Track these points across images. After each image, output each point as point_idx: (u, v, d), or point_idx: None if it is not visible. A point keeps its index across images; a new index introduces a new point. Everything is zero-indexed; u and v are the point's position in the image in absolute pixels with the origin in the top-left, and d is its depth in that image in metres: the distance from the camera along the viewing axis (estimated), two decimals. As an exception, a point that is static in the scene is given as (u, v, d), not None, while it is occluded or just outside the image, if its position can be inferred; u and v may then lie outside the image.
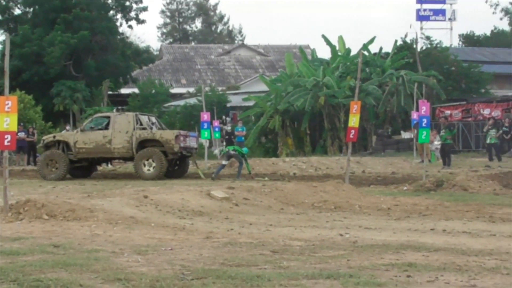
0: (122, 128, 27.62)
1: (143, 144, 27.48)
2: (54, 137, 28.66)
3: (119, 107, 50.53)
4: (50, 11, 51.25)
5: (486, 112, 40.76)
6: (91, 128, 28.16)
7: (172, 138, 27.42)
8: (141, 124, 27.83)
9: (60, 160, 27.39)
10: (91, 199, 16.12)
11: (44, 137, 29.37)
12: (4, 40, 49.03)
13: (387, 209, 17.32)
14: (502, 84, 54.01)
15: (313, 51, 50.04)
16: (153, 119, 29.58)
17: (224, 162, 27.28)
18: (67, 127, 40.74)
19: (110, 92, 52.81)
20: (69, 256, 9.74)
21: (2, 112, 14.60)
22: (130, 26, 56.51)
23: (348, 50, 45.66)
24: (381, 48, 46.28)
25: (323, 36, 46.19)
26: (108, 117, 28.65)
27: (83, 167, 28.81)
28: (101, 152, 27.82)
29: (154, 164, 26.87)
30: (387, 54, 46.20)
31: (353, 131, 22.38)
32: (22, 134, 35.56)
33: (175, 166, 28.63)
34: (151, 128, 27.92)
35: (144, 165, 26.97)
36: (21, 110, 42.35)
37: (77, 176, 28.30)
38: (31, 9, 54.55)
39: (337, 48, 46.11)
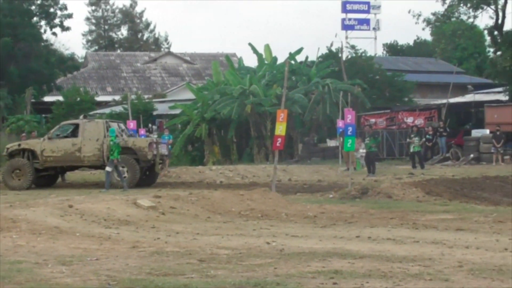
0: (92, 136, 27.10)
1: None
2: (19, 145, 27.96)
3: (44, 115, 49.89)
4: (-28, 17, 50.29)
5: (409, 120, 41.39)
6: (58, 136, 27.46)
7: (145, 145, 27.09)
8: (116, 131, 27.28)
9: (25, 169, 26.70)
10: (13, 209, 15.86)
11: (8, 146, 28.58)
12: None
13: (314, 216, 17.43)
14: (424, 93, 54.95)
15: (240, 60, 50.17)
16: (122, 126, 29.13)
17: (108, 169, 25.77)
18: (-10, 136, 40.00)
19: (33, 100, 51.95)
20: (-9, 268, 9.56)
21: None
22: (54, 33, 55.73)
23: (275, 59, 45.89)
24: (307, 57, 46.67)
25: (250, 45, 46.38)
26: (77, 125, 27.94)
27: (48, 176, 28.11)
28: (70, 160, 27.27)
29: (126, 173, 26.40)
30: (312, 62, 46.58)
31: (279, 139, 22.51)
32: None
33: (145, 174, 28.14)
34: (122, 136, 27.47)
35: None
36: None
37: (42, 185, 27.55)
38: (-48, 15, 53.42)
39: (264, 57, 46.30)
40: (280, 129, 22.75)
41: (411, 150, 33.61)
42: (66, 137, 27.55)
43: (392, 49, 74.27)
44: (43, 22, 54.49)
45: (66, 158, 27.10)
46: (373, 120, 42.58)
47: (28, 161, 26.94)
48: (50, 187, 27.46)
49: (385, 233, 13.92)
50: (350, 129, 24.51)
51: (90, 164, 27.71)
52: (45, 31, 54.92)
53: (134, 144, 27.12)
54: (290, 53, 45.28)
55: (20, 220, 14.02)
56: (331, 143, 41.62)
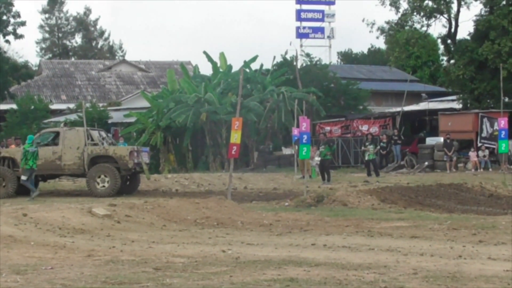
0: (73, 144, 26.85)
1: (95, 160, 26.73)
2: None
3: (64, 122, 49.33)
4: None
5: (364, 128, 41.66)
6: (38, 144, 26.86)
7: (126, 154, 26.85)
8: (92, 140, 27.19)
9: (8, 177, 26.27)
10: (-33, 218, 15.67)
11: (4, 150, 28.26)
12: None
13: (269, 224, 17.49)
14: (379, 101, 55.38)
15: (195, 67, 50.08)
16: (103, 134, 28.96)
17: (24, 178, 25.45)
18: None
19: (-14, 108, 51.44)
20: None
21: None
22: (7, 41, 55.07)
23: (230, 67, 45.92)
24: (261, 65, 46.76)
25: (205, 53, 46.36)
26: (57, 133, 27.64)
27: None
28: (50, 168, 26.94)
29: (107, 181, 26.23)
30: (267, 71, 46.69)
31: (235, 147, 22.55)
32: None
33: (126, 182, 27.95)
34: (103, 144, 27.37)
35: (98, 182, 26.30)
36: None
37: (20, 193, 26.71)
38: None
39: (219, 65, 46.32)
40: (235, 137, 22.80)
41: (366, 158, 33.83)
42: (47, 145, 27.22)
43: (347, 57, 74.82)
44: (-4, 30, 53.91)
45: (46, 167, 26.73)
46: (328, 128, 42.78)
47: (10, 169, 26.53)
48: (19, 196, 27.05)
49: (341, 240, 14.01)
50: (305, 137, 24.62)
51: (71, 172, 27.47)
52: (-2, 39, 54.35)
53: (115, 153, 26.92)
54: (245, 61, 45.37)
55: (-27, 229, 13.88)
56: (286, 151, 41.74)
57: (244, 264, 10.92)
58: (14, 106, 50.80)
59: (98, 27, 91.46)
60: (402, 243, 13.53)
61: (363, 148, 35.16)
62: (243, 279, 9.59)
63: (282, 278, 9.62)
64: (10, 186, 26.32)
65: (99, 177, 26.38)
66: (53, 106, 54.83)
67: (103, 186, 26.25)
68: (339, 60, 74.18)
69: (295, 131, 33.61)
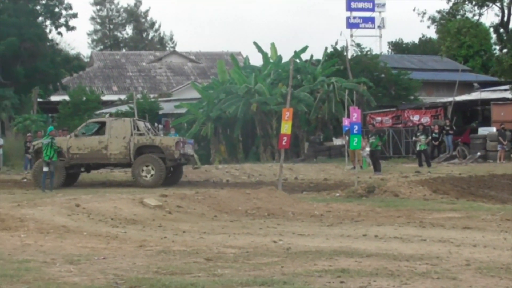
0: (119, 134, 27.07)
1: (140, 150, 26.97)
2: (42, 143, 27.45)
3: (51, 115, 49.93)
4: (-24, 18, 50.36)
5: (415, 118, 41.35)
6: (84, 134, 27.41)
7: (172, 144, 27.05)
8: (138, 130, 27.38)
9: (57, 167, 26.17)
10: (21, 208, 15.87)
11: (35, 143, 28.46)
12: None
13: (320, 215, 17.44)
14: (430, 91, 54.88)
15: (246, 58, 50.12)
16: (148, 125, 29.14)
17: (44, 169, 25.46)
18: (-4, 135, 40.07)
19: (39, 100, 52.01)
20: (-1, 267, 9.59)
21: None
22: (59, 33, 55.78)
23: (280, 57, 45.89)
24: (312, 56, 46.66)
25: (255, 43, 46.38)
26: (103, 122, 27.97)
27: (70, 175, 27.80)
28: (96, 158, 27.23)
29: (152, 171, 26.45)
30: (318, 61, 46.55)
31: (285, 138, 22.51)
32: None
33: (169, 174, 28.12)
34: (148, 133, 27.56)
35: (143, 172, 26.51)
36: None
37: (69, 183, 27.35)
38: (-43, 16, 53.47)
39: (269, 55, 46.29)
40: (286, 127, 22.76)
41: (418, 148, 33.59)
42: (92, 135, 27.57)
43: (397, 47, 74.21)
44: (48, 22, 54.54)
45: (92, 156, 27.09)
46: (379, 118, 42.55)
47: (61, 160, 26.62)
48: (72, 186, 27.39)
49: (392, 231, 13.92)
50: (356, 127, 24.51)
51: (116, 162, 27.66)
52: (50, 31, 55.00)
53: (161, 143, 27.13)
54: (295, 52, 45.27)
55: (28, 219, 14.04)
56: (337, 141, 41.60)
57: (295, 254, 10.90)
58: (67, 98, 51.34)
59: (148, 18, 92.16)
60: (455, 234, 13.40)
61: (414, 138, 34.92)
62: (294, 269, 9.57)
63: (333, 269, 9.58)
64: (60, 176, 26.41)
65: (146, 167, 26.53)
66: (105, 98, 55.31)
67: (146, 177, 26.43)
68: (389, 50, 73.63)
69: (345, 122, 33.47)
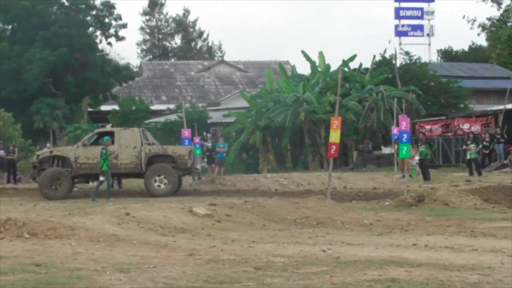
0: (129, 143, 27.02)
1: (152, 159, 26.94)
2: (51, 152, 27.64)
3: (101, 124, 50.37)
4: (29, 28, 51.07)
5: (465, 127, 40.94)
6: (92, 144, 27.26)
7: (185, 153, 27.12)
8: (147, 139, 27.47)
9: (63, 177, 26.20)
10: (72, 217, 16.04)
11: (39, 152, 28.42)
12: (-17, 58, 48.83)
13: (369, 224, 17.34)
14: (480, 99, 54.35)
15: (293, 67, 50.16)
16: (148, 133, 29.15)
17: (101, 179, 25.65)
18: (48, 145, 40.55)
19: (90, 109, 52.64)
20: (51, 275, 9.70)
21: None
22: (109, 43, 56.48)
23: (328, 66, 45.83)
24: (360, 64, 46.50)
25: (303, 52, 46.36)
26: (111, 132, 27.80)
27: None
28: None
29: (165, 181, 26.45)
30: (366, 69, 46.38)
31: (334, 147, 22.43)
32: (1, 152, 35.37)
33: None
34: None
35: (155, 182, 26.52)
36: (0, 128, 42.20)
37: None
38: (10, 27, 54.32)
39: (317, 64, 46.25)
40: (335, 136, 22.68)
41: (468, 157, 33.24)
42: (97, 144, 27.32)
43: (447, 55, 73.65)
44: (98, 32, 55.21)
45: None
46: (428, 126, 42.22)
47: (65, 170, 26.49)
48: (122, 195, 27.48)
49: (443, 241, 13.78)
50: (405, 136, 24.35)
51: (127, 171, 27.36)
52: (100, 41, 55.69)
53: (174, 152, 27.08)
54: (343, 60, 45.17)
55: (79, 227, 14.16)
56: (386, 150, 41.36)
57: (344, 264, 10.85)
58: (116, 107, 51.86)
59: (197, 28, 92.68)
60: (507, 244, 13.21)
61: (464, 147, 34.57)
62: (343, 279, 9.53)
63: (383, 278, 9.52)
64: (66, 187, 26.24)
65: (158, 176, 26.45)
66: (154, 107, 55.78)
67: (159, 186, 26.41)
68: (439, 58, 73.08)
69: (394, 130, 33.26)
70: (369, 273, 10.00)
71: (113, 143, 26.87)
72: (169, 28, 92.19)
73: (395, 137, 32.23)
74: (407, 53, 51.85)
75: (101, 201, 23.86)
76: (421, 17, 65.84)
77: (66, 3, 54.44)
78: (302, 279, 9.57)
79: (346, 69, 43.86)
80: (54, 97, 50.32)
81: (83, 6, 54.06)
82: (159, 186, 26.48)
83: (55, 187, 26.23)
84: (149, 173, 26.52)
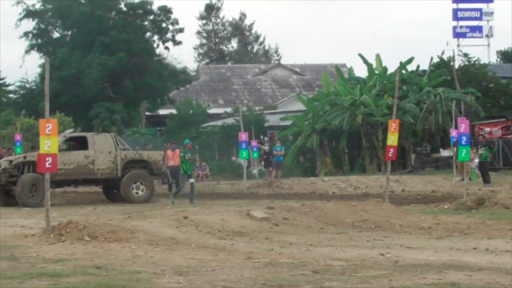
0: (104, 149, 26.42)
1: (127, 165, 26.48)
2: (24, 157, 26.05)
3: (159, 128, 50.83)
4: (88, 34, 51.76)
5: (526, 129, 40.37)
6: (66, 149, 26.16)
7: (160, 158, 26.91)
8: (122, 144, 27.04)
9: (39, 184, 24.15)
10: (131, 220, 16.21)
11: (11, 158, 26.60)
12: (44, 64, 49.59)
13: (428, 228, 17.19)
14: (541, 101, 53.39)
15: (350, 70, 49.94)
16: (119, 138, 28.56)
17: (191, 181, 25.65)
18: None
19: (148, 113, 53.09)
20: (111, 278, 9.80)
21: (43, 135, 14.75)
22: (166, 48, 56.88)
23: (385, 68, 45.54)
24: (418, 66, 46.08)
25: (360, 55, 46.14)
26: (83, 137, 27.07)
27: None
28: (83, 173, 26.23)
29: (142, 187, 26.07)
30: (424, 72, 45.97)
31: (391, 150, 22.27)
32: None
33: (114, 190, 27.52)
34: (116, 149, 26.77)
35: (133, 189, 26.12)
36: (60, 132, 42.80)
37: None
38: (69, 32, 55.14)
39: (374, 67, 45.99)
40: (392, 139, 22.52)
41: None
42: (73, 149, 26.50)
43: (507, 56, 72.60)
44: (155, 37, 55.68)
45: (79, 171, 26.09)
46: (487, 129, 41.68)
47: (32, 174, 25.08)
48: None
49: (504, 245, 13.59)
50: (464, 138, 24.08)
51: (104, 177, 26.64)
52: (157, 46, 56.16)
53: (149, 157, 26.79)
54: (400, 63, 44.85)
55: (138, 231, 14.29)
56: (444, 153, 40.93)
57: (403, 267, 10.77)
58: (174, 111, 52.21)
59: (253, 31, 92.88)
60: None
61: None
62: (402, 283, 9.46)
63: (443, 282, 9.43)
64: (41, 194, 24.25)
65: (135, 183, 26.08)
66: (211, 111, 56.02)
67: (137, 193, 26.05)
68: (498, 59, 72.13)
69: (453, 133, 32.91)
70: (428, 277, 9.91)
71: (87, 148, 26.34)
72: (225, 32, 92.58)
73: (454, 139, 31.91)
74: (465, 55, 51.32)
75: (160, 204, 24.05)
76: (479, 18, 65.10)
77: (124, 9, 55.05)
78: (360, 282, 9.53)
79: (403, 72, 43.54)
80: (113, 102, 50.89)
81: (141, 11, 54.58)
82: (137, 193, 26.09)
83: (32, 194, 25.09)
84: (127, 180, 26.09)
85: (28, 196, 24.87)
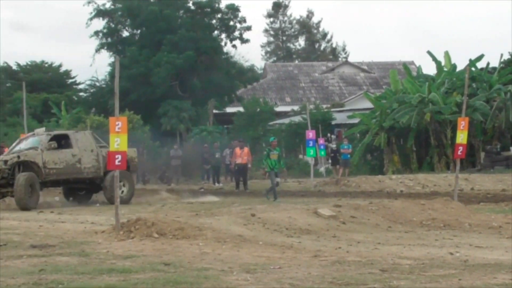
0: (86, 147, 25.24)
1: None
2: (18, 157, 24.06)
3: (226, 126, 51.08)
4: (157, 33, 52.28)
5: None
6: (55, 148, 24.67)
7: (135, 156, 26.15)
8: (98, 142, 25.75)
9: (35, 185, 23.54)
10: (199, 217, 16.32)
11: (7, 157, 24.49)
12: (113, 62, 50.24)
13: (499, 227, 16.94)
14: None
15: (419, 68, 49.46)
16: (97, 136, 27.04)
17: (277, 180, 25.66)
18: (175, 146, 41.40)
19: (215, 111, 53.41)
20: (179, 275, 9.88)
21: (113, 133, 14.95)
22: (234, 46, 57.07)
23: (454, 66, 44.98)
24: (488, 63, 45.40)
25: (429, 52, 45.65)
26: (65, 135, 25.84)
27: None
28: (72, 172, 24.85)
29: (123, 187, 24.86)
30: (494, 69, 45.28)
31: (461, 148, 22.02)
32: (131, 154, 36.24)
33: (82, 191, 26.27)
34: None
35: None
36: (129, 130, 43.32)
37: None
38: (138, 31, 55.77)
39: (443, 64, 45.47)
40: (461, 137, 22.26)
41: None
42: (60, 148, 24.91)
43: None
44: (223, 35, 55.95)
45: (68, 170, 24.69)
46: (559, 126, 40.90)
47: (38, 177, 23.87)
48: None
49: None
50: (535, 136, 23.70)
51: (90, 176, 25.33)
52: (225, 44, 56.41)
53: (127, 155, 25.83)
54: (470, 60, 44.24)
55: (206, 228, 14.37)
56: (515, 151, 40.32)
57: (473, 267, 10.64)
58: (241, 109, 52.40)
59: (321, 29, 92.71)
60: None
61: None
62: (472, 282, 9.35)
63: (514, 282, 9.30)
64: (38, 194, 23.82)
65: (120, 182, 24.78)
66: (278, 109, 56.11)
67: (122, 193, 24.24)
68: None
69: (524, 131, 32.39)
70: (499, 277, 9.78)
71: (71, 146, 25.10)
72: (293, 30, 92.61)
73: (525, 137, 31.39)
74: (538, 51, 50.36)
75: (227, 201, 24.14)
76: (552, 14, 63.92)
77: (192, 7, 55.47)
78: (429, 282, 9.45)
79: (473, 69, 42.98)
80: (181, 100, 51.31)
81: (209, 10, 54.92)
82: (122, 193, 24.48)
83: (29, 195, 23.42)
84: (111, 180, 23.44)
85: (27, 198, 23.21)
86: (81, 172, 25.03)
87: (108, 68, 54.70)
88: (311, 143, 32.02)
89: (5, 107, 58.28)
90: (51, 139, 24.84)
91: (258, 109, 52.17)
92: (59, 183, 25.66)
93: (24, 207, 22.87)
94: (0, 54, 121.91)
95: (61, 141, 25.21)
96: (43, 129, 27.11)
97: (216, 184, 36.96)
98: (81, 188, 26.08)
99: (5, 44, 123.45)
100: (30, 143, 25.12)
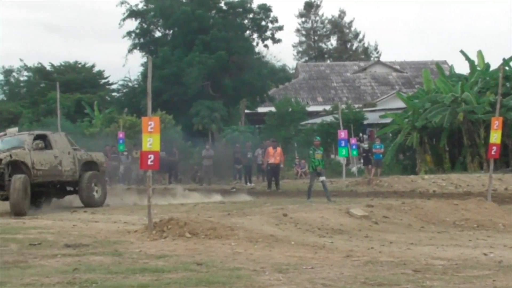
0: (64, 148, 23.88)
1: (82, 166, 24.26)
2: (10, 156, 22.02)
3: (258, 126, 51.11)
4: (189, 33, 52.40)
5: None
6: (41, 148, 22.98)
7: (104, 160, 25.92)
8: (72, 144, 24.68)
9: (28, 186, 21.72)
10: (231, 217, 16.36)
11: (1, 156, 22.12)
12: (146, 62, 50.44)
13: (533, 228, 16.83)
14: None
15: (451, 67, 49.14)
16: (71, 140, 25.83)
17: (321, 179, 25.12)
18: (207, 146, 41.51)
19: (247, 111, 53.45)
20: (212, 274, 9.91)
21: (145, 133, 15.02)
22: (266, 46, 57.02)
23: (487, 65, 44.64)
24: (522, 62, 44.99)
25: (462, 51, 45.34)
26: (43, 135, 23.89)
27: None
28: (55, 175, 23.39)
29: (96, 188, 24.12)
30: (528, 68, 44.87)
31: (494, 148, 21.87)
32: (162, 154, 36.41)
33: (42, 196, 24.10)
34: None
35: (92, 191, 23.96)
36: (162, 130, 43.51)
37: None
38: (171, 32, 55.94)
39: (476, 63, 45.15)
40: (495, 137, 22.10)
41: None
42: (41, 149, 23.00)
43: None
44: (255, 35, 55.96)
45: (52, 172, 23.17)
46: None
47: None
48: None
49: None
50: None
51: (69, 179, 23.93)
52: (257, 44, 56.41)
53: (97, 158, 25.05)
54: (504, 59, 43.88)
55: (238, 228, 14.40)
56: (549, 151, 39.91)
57: (507, 268, 10.57)
58: (273, 109, 52.40)
59: (353, 29, 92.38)
60: None
61: None
62: (507, 284, 9.29)
63: (550, 284, 9.23)
64: (29, 196, 21.79)
65: (94, 186, 24.12)
66: (310, 108, 56.03)
67: (97, 196, 24.05)
68: None
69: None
70: (533, 278, 9.71)
71: (51, 147, 23.40)
72: (324, 29, 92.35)
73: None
74: None
75: (259, 201, 24.16)
76: None
77: (224, 7, 55.53)
78: (463, 282, 9.40)
79: (507, 68, 42.63)
80: (213, 100, 51.41)
81: (240, 10, 54.95)
82: (95, 196, 24.08)
83: (25, 198, 21.51)
84: (87, 183, 23.92)
85: (24, 202, 21.26)
86: (62, 175, 23.55)
87: (141, 68, 54.99)
88: (343, 143, 31.91)
89: (39, 108, 58.73)
90: (35, 139, 23.13)
91: (290, 109, 52.13)
92: (44, 186, 23.48)
93: (19, 213, 20.83)
94: (34, 55, 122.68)
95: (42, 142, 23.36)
96: (16, 129, 25.45)
97: (248, 184, 36.98)
98: (39, 193, 23.56)
99: (39, 45, 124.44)
100: (9, 142, 23.12)
